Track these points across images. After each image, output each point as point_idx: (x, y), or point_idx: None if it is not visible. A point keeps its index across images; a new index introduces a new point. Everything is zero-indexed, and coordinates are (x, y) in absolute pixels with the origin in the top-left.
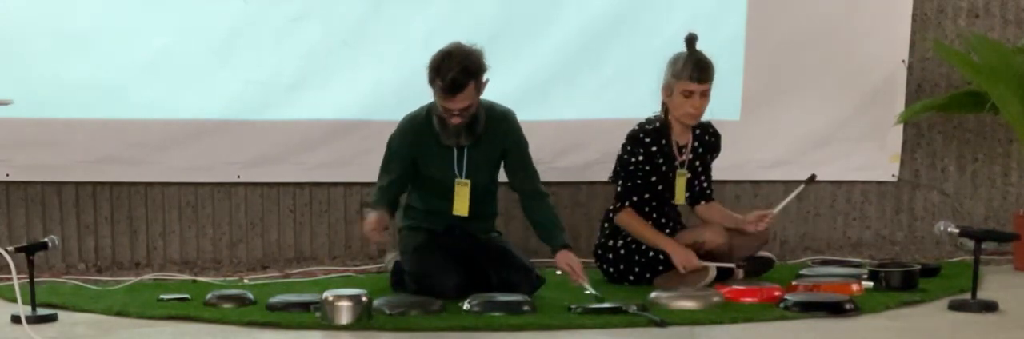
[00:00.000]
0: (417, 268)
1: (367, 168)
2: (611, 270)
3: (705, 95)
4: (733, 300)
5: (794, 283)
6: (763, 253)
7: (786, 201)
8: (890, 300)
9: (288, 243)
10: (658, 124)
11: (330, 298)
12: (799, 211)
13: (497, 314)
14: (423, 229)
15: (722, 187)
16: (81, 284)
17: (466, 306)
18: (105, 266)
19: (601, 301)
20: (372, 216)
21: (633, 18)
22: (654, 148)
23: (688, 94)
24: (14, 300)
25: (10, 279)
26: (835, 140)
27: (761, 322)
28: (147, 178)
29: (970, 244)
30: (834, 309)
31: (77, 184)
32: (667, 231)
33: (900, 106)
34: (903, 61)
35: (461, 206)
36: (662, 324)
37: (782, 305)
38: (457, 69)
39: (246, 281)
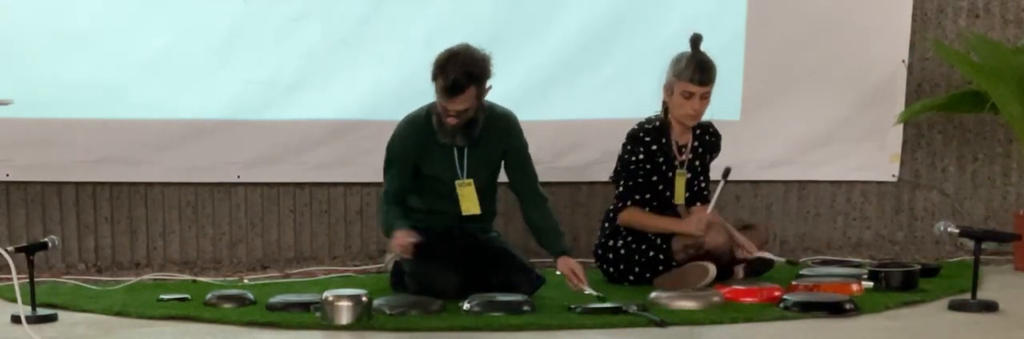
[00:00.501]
0: (417, 268)
1: (367, 168)
2: (611, 270)
3: (705, 97)
4: (733, 300)
5: (794, 283)
6: (763, 253)
7: (714, 198)
8: (890, 300)
9: (288, 243)
10: (658, 123)
11: (330, 298)
12: (799, 211)
13: (497, 314)
14: (423, 229)
15: None
16: (81, 284)
17: (466, 306)
18: (105, 266)
19: (604, 300)
20: (401, 233)
21: (633, 18)
22: (654, 147)
23: (688, 95)
24: (14, 300)
25: (10, 279)
26: (835, 140)
27: (761, 322)
28: (147, 178)
29: (970, 244)
30: (834, 309)
31: (77, 184)
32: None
33: (900, 106)
34: (903, 61)
35: (470, 205)
36: (662, 324)
37: (782, 305)
38: (460, 71)
39: (246, 281)
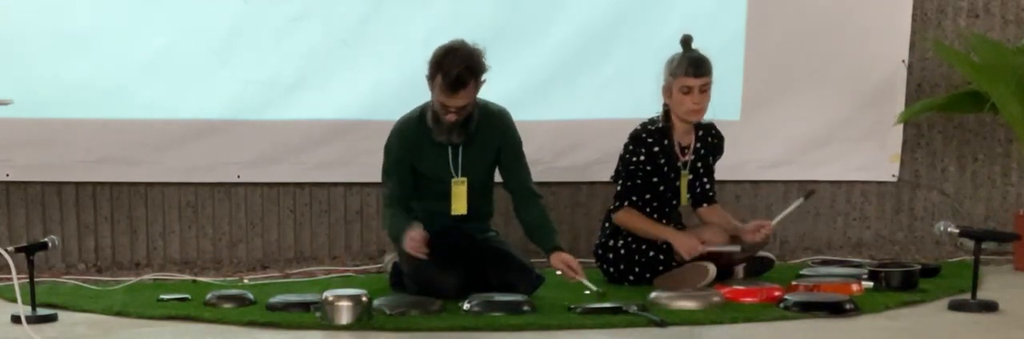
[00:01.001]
0: (416, 269)
1: (367, 168)
2: (611, 270)
3: (704, 91)
4: (733, 300)
5: (794, 283)
6: (763, 253)
7: (785, 213)
8: (890, 300)
9: (288, 243)
10: (660, 124)
11: (330, 298)
12: (799, 211)
13: (497, 314)
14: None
15: (722, 187)
16: (81, 284)
17: (466, 306)
18: (105, 266)
19: (604, 296)
20: (413, 233)
21: (633, 18)
22: (656, 148)
23: (687, 90)
24: (14, 300)
25: (10, 279)
26: (835, 140)
27: (761, 322)
28: (147, 178)
29: (970, 244)
30: (834, 309)
31: (77, 184)
32: None
33: (900, 106)
34: (903, 61)
35: (459, 205)
36: (662, 324)
37: (782, 305)
38: (462, 66)
39: (246, 281)
